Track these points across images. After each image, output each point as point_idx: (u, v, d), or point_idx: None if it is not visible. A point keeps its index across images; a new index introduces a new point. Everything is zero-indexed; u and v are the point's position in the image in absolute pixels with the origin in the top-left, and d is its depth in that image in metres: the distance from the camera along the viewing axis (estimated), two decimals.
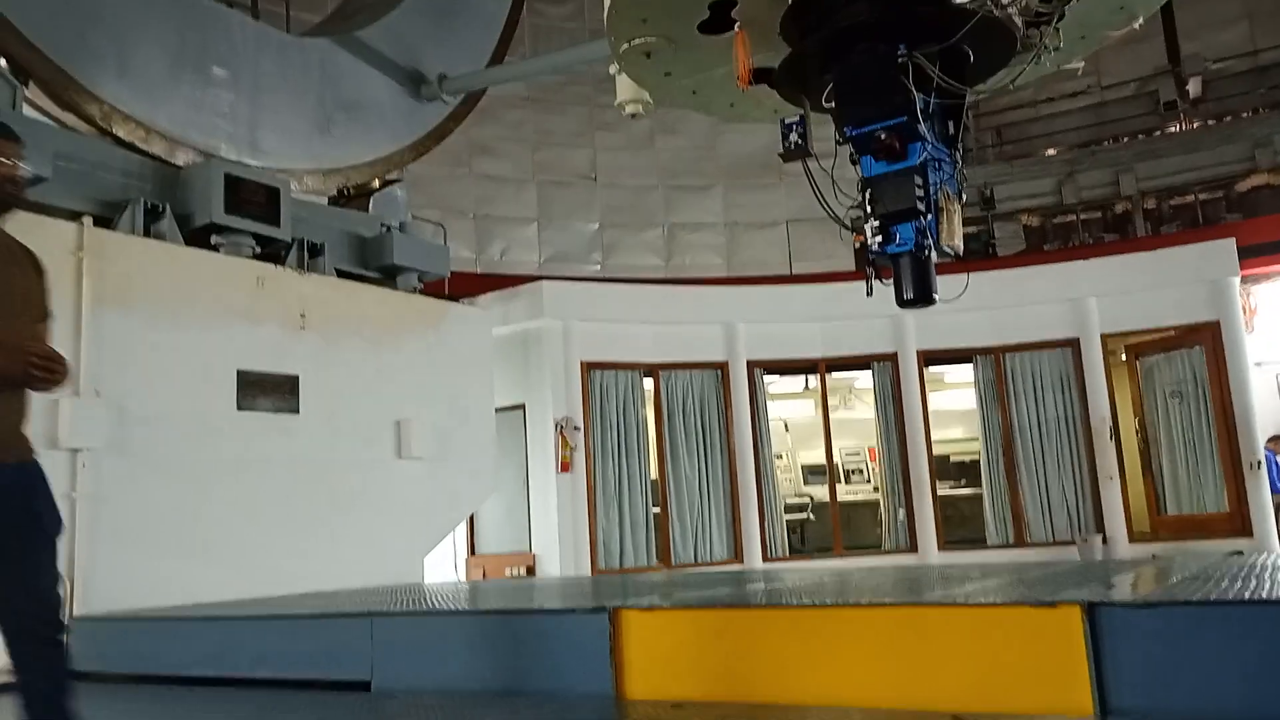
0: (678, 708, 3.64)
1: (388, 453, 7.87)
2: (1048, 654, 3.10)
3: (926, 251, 4.34)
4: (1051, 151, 16.62)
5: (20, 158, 2.94)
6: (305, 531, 7.06)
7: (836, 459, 12.07)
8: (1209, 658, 2.88)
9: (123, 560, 5.98)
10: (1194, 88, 15.62)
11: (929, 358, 11.32)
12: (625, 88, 7.69)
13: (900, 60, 4.18)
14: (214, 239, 7.22)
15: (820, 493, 12.25)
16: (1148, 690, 2.94)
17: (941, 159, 4.38)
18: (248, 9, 9.38)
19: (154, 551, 6.17)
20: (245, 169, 7.59)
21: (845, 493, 12.36)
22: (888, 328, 11.07)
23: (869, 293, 4.56)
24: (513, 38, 10.79)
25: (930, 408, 11.28)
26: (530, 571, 10.06)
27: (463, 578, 10.56)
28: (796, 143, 4.82)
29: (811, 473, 12.84)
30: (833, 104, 4.56)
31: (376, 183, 9.15)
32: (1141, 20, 4.65)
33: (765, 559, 10.75)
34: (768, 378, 11.57)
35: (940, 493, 11.20)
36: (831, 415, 11.75)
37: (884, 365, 11.33)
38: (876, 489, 12.30)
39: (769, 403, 11.62)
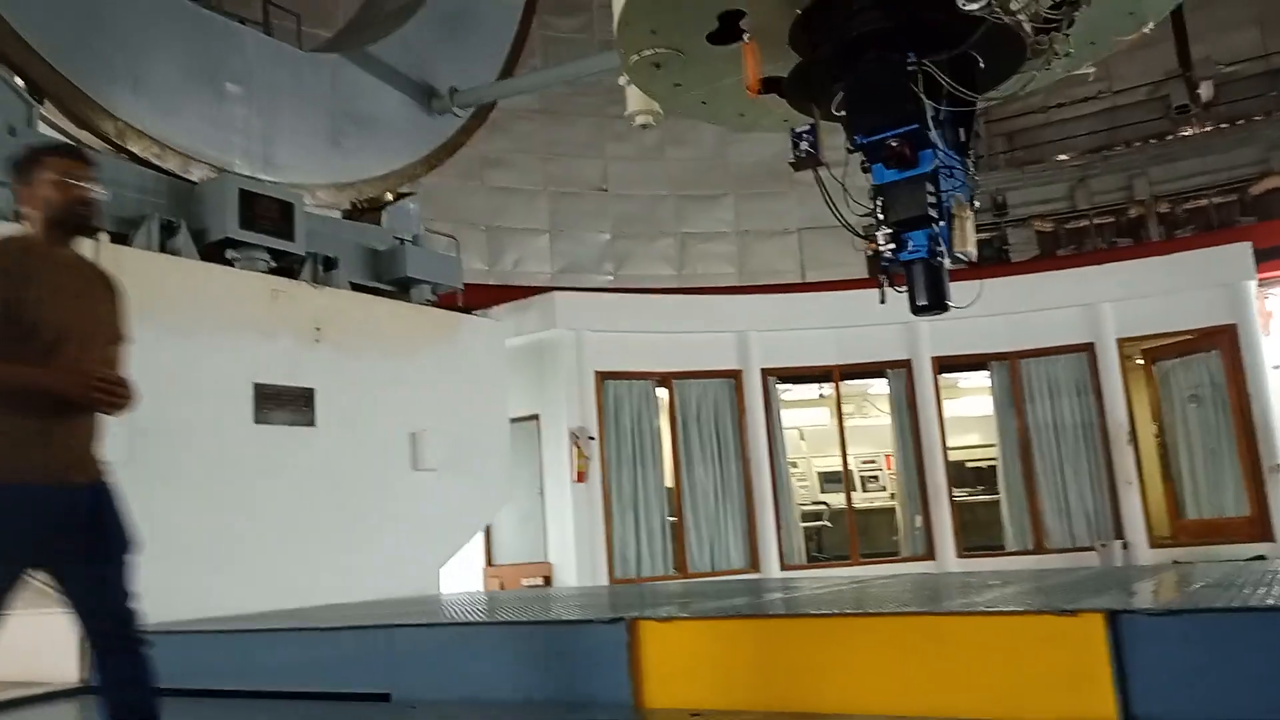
0: (697, 716, 3.64)
1: (403, 464, 7.89)
2: (1070, 662, 3.08)
3: (939, 258, 4.34)
4: (1063, 157, 16.58)
5: (91, 180, 2.94)
6: (322, 544, 7.08)
7: (852, 466, 12.04)
8: (1233, 665, 2.86)
9: (140, 574, 6.00)
10: (1206, 91, 15.56)
11: (944, 364, 11.28)
12: (635, 99, 7.70)
13: (910, 68, 4.18)
14: (229, 254, 7.26)
15: (836, 500, 12.21)
16: (1171, 698, 2.92)
17: (953, 166, 4.37)
18: (260, 25, 9.46)
19: (171, 565, 6.17)
20: (259, 184, 7.63)
21: (861, 500, 12.33)
22: (902, 335, 11.04)
23: (882, 300, 4.56)
24: (523, 50, 10.84)
25: (945, 414, 11.25)
26: (547, 581, 10.06)
27: (480, 588, 10.57)
28: (807, 151, 4.84)
29: (827, 480, 12.80)
30: (843, 112, 4.57)
31: (389, 196, 9.19)
32: (1152, 25, 4.64)
33: (782, 567, 10.72)
34: (781, 386, 11.56)
35: (957, 499, 11.15)
36: (846, 422, 11.73)
37: (898, 372, 11.31)
38: (893, 496, 12.26)
39: (783, 410, 11.60)
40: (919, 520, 11.00)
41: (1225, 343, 10.39)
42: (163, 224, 6.97)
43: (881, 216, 4.41)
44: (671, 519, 10.78)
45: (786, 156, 5.04)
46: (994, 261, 14.99)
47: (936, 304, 4.39)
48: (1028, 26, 4.11)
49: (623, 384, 10.72)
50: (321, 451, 7.27)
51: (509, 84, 10.60)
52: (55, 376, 2.73)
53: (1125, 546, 10.34)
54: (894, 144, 4.23)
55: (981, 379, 11.59)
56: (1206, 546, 9.96)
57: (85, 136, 7.13)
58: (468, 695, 4.26)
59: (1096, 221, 15.86)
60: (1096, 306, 10.88)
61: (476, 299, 10.17)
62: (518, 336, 10.19)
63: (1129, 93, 16.32)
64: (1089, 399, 10.84)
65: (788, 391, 12.10)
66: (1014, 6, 3.94)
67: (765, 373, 11.17)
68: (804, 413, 13.28)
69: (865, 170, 4.50)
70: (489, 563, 10.74)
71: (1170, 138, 15.90)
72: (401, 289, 8.56)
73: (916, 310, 4.44)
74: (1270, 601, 3.18)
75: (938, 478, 10.90)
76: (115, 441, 6.02)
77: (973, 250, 4.39)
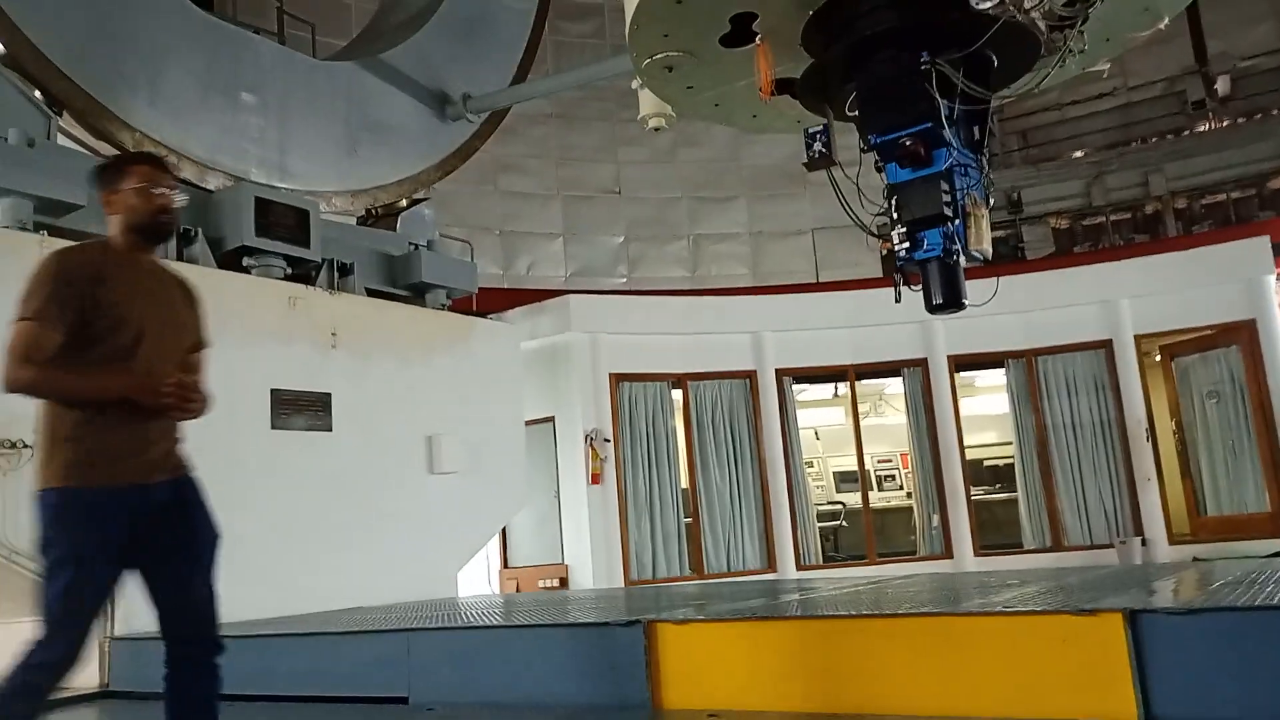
0: (714, 717, 3.64)
1: (419, 468, 7.92)
2: (1090, 662, 3.07)
3: (955, 257, 4.33)
4: (1079, 154, 16.49)
5: (173, 188, 2.98)
6: (339, 548, 7.11)
7: (868, 465, 12.01)
8: (1254, 665, 2.84)
9: None
10: (1222, 86, 15.44)
11: (960, 362, 11.24)
12: (648, 102, 7.73)
13: (924, 67, 4.18)
14: (245, 261, 7.31)
15: (853, 500, 12.18)
16: (1191, 698, 2.90)
17: (968, 164, 4.36)
18: (275, 35, 9.52)
19: None
20: (275, 192, 7.69)
21: (878, 499, 12.29)
22: (917, 333, 11.00)
23: (897, 299, 4.56)
24: (535, 56, 10.87)
25: (962, 412, 11.20)
26: (563, 583, 10.07)
27: (496, 590, 10.59)
28: (821, 152, 4.83)
29: (843, 480, 12.77)
30: (856, 112, 4.56)
31: (404, 202, 9.24)
32: (1167, 21, 4.62)
33: (799, 567, 10.70)
34: (797, 386, 11.54)
35: (974, 497, 11.10)
36: (862, 422, 11.70)
37: (914, 371, 11.27)
38: (910, 495, 12.22)
39: (799, 411, 11.58)
40: (936, 519, 10.95)
41: (1244, 338, 10.31)
42: (180, 232, 7.02)
43: (896, 216, 4.40)
44: (687, 520, 10.78)
45: (800, 157, 5.03)
46: (1010, 259, 14.92)
47: (952, 302, 4.38)
48: (1042, 24, 4.10)
49: (637, 386, 10.73)
50: (339, 456, 7.30)
51: (522, 89, 10.63)
52: (126, 382, 2.75)
53: (1144, 544, 10.27)
54: (908, 143, 4.23)
55: (998, 377, 11.53)
56: (1226, 543, 9.88)
57: (103, 147, 7.20)
58: (485, 698, 4.28)
59: (1113, 218, 15.76)
60: (1114, 303, 10.81)
61: (491, 303, 10.21)
62: (532, 340, 10.21)
63: (1145, 88, 16.21)
64: (1107, 396, 10.77)
65: (803, 391, 12.08)
66: (1027, 4, 3.93)
67: (780, 373, 11.15)
68: (819, 412, 13.26)
69: (879, 170, 4.50)
70: (505, 565, 10.77)
71: (1187, 133, 15.80)
72: (417, 294, 8.60)
73: (932, 309, 4.43)
74: None
75: (955, 476, 10.85)
76: None
77: (988, 248, 4.39)
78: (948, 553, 10.77)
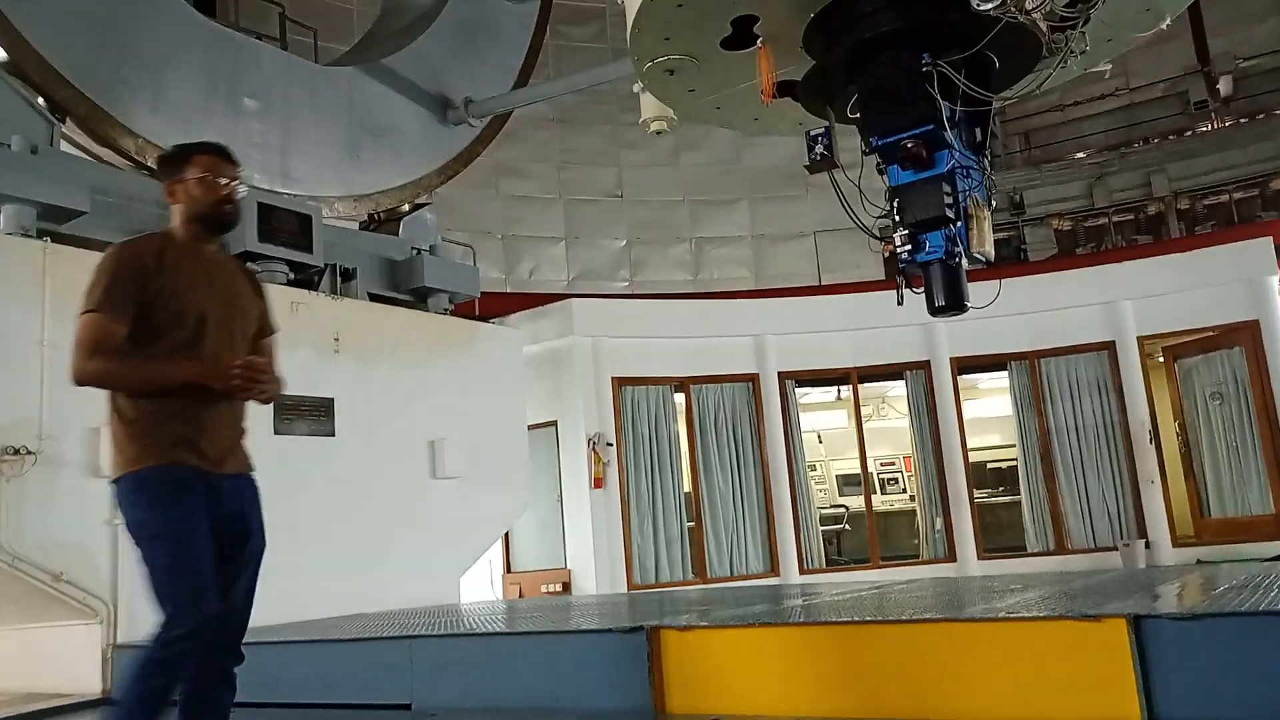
0: None
1: (422, 472, 7.91)
2: (1094, 667, 3.05)
3: (957, 259, 4.32)
4: (1081, 155, 16.47)
5: (238, 179, 2.98)
6: (342, 553, 7.11)
7: (871, 469, 11.98)
8: (1258, 669, 2.82)
9: None
10: (1225, 86, 15.42)
11: (962, 365, 11.21)
12: (649, 105, 7.72)
13: (925, 68, 4.17)
14: (248, 266, 7.31)
15: (856, 503, 12.16)
16: (1196, 703, 2.89)
17: (970, 166, 4.36)
18: (277, 41, 9.54)
19: None
20: (277, 197, 7.69)
21: (881, 502, 12.26)
22: (919, 336, 10.98)
23: (900, 301, 4.55)
24: (537, 60, 10.88)
25: (965, 415, 11.18)
26: (566, 588, 10.06)
27: (499, 595, 10.58)
28: (822, 154, 4.83)
29: (846, 483, 12.75)
30: (858, 114, 4.56)
31: (406, 207, 9.25)
32: (1169, 20, 4.61)
33: (802, 571, 10.67)
34: (799, 389, 11.52)
35: (977, 500, 11.08)
36: (865, 424, 11.68)
37: (917, 374, 11.25)
38: (913, 498, 12.19)
39: (801, 414, 11.56)
40: (939, 522, 10.93)
41: (1247, 339, 10.28)
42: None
43: (898, 218, 4.40)
44: (690, 524, 10.76)
45: (801, 160, 5.02)
46: (1012, 261, 14.91)
47: (955, 304, 4.37)
48: (1043, 25, 4.09)
49: (640, 389, 10.72)
50: (341, 461, 7.30)
51: (523, 93, 10.64)
52: (196, 367, 2.77)
53: (1148, 546, 10.24)
54: (910, 145, 4.22)
55: (1001, 379, 11.51)
56: (1230, 545, 9.85)
57: (105, 153, 7.22)
58: (488, 705, 4.27)
59: (1115, 219, 15.74)
60: (1116, 304, 10.79)
61: (493, 307, 10.20)
62: (535, 344, 10.21)
63: (1147, 89, 16.19)
64: (1110, 398, 10.75)
65: (806, 395, 12.07)
66: (1029, 5, 3.93)
67: (783, 376, 11.13)
68: (822, 415, 13.24)
69: (881, 172, 4.49)
70: (508, 569, 10.76)
71: (1189, 133, 15.78)
72: (419, 298, 8.59)
73: (935, 311, 4.42)
74: None
75: (958, 479, 10.83)
76: None
77: (990, 250, 4.38)
78: (951, 556, 10.74)
